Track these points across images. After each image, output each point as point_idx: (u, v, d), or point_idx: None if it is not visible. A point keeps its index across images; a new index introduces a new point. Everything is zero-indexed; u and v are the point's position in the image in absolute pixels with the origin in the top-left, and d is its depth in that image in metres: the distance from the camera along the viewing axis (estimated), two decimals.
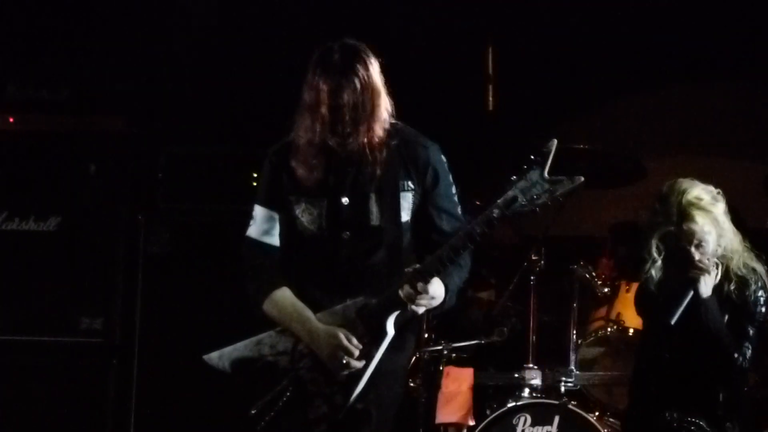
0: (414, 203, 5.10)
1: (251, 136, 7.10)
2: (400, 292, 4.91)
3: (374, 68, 5.03)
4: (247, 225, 5.21)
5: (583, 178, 4.81)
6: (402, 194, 5.07)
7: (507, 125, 8.20)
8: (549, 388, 6.75)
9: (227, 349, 5.13)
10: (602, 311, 7.10)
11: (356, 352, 4.96)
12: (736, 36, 8.13)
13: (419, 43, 7.93)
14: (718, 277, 5.79)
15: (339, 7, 7.78)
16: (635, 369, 6.05)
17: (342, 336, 4.97)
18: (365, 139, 4.98)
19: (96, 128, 7.36)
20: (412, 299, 4.92)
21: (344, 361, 4.96)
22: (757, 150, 8.27)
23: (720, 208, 5.77)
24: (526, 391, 6.74)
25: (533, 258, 6.95)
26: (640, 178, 7.53)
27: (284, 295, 5.10)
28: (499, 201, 4.84)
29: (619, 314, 6.98)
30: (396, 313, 4.98)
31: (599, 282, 7.06)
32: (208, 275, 7.22)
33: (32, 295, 7.23)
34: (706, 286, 5.73)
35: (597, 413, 6.70)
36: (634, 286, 6.64)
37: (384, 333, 4.99)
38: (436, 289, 4.97)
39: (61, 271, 7.25)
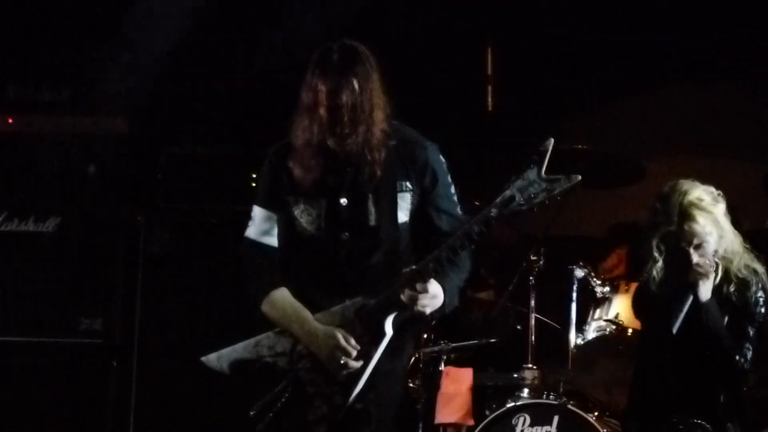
0: (412, 204, 5.10)
1: (251, 137, 7.12)
2: (402, 296, 4.91)
3: (373, 69, 5.03)
4: (246, 225, 5.21)
5: (580, 177, 4.81)
6: (400, 195, 5.07)
7: (506, 125, 8.20)
8: (548, 388, 6.74)
9: (226, 351, 5.14)
10: (601, 311, 7.09)
11: (354, 353, 4.96)
12: (735, 36, 8.13)
13: (419, 43, 7.93)
14: (718, 278, 5.78)
15: (339, 8, 7.78)
16: (635, 369, 6.05)
17: (340, 336, 4.97)
18: (364, 140, 4.99)
19: (96, 129, 7.36)
20: (414, 300, 4.92)
21: (342, 362, 4.96)
22: (756, 150, 8.27)
23: (720, 210, 5.77)
24: (526, 391, 6.74)
25: (532, 258, 6.95)
26: (640, 178, 7.53)
27: (283, 295, 5.10)
28: (496, 200, 4.85)
29: (618, 314, 6.98)
30: (394, 314, 4.98)
31: (598, 282, 7.06)
32: (208, 276, 7.23)
33: (32, 295, 7.24)
34: (706, 289, 5.73)
35: (596, 413, 6.69)
36: (633, 286, 6.64)
37: (382, 334, 4.98)
38: (435, 288, 4.97)
39: (60, 271, 7.25)
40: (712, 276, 5.73)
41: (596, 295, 7.09)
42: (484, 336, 6.97)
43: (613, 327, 6.96)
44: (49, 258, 7.26)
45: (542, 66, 8.19)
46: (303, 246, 5.13)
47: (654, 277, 5.82)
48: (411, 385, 6.76)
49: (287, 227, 5.14)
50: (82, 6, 7.88)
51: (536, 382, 6.76)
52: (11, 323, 7.23)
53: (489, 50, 8.37)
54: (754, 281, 5.82)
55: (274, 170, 5.16)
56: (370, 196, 5.06)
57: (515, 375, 6.83)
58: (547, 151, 4.82)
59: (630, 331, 6.87)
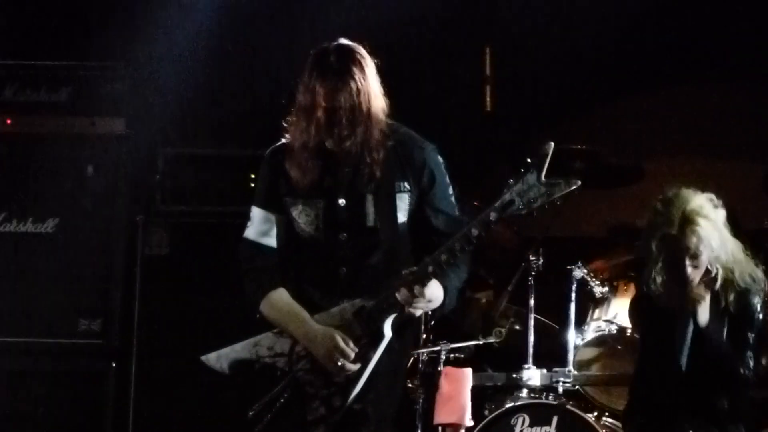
0: (411, 204, 5.10)
1: (249, 138, 7.12)
2: (397, 295, 4.91)
3: (370, 70, 5.04)
4: (244, 226, 5.22)
5: (579, 182, 4.83)
6: (398, 195, 5.07)
7: (505, 126, 8.19)
8: (547, 388, 6.74)
9: (225, 351, 5.14)
10: (600, 311, 7.10)
11: (352, 355, 4.97)
12: (735, 36, 8.12)
13: (417, 43, 7.93)
14: (718, 285, 5.75)
15: (337, 8, 7.77)
16: (635, 372, 6.01)
17: (338, 338, 4.97)
18: (362, 141, 4.99)
19: (94, 130, 7.35)
20: (409, 302, 4.93)
21: (340, 364, 4.96)
22: (756, 150, 8.26)
23: (721, 218, 5.73)
24: (525, 391, 6.74)
25: (532, 258, 6.95)
26: (639, 178, 7.53)
27: (281, 296, 5.11)
28: (495, 204, 4.86)
29: (617, 314, 6.98)
30: (393, 316, 4.98)
31: (597, 282, 7.06)
32: (207, 277, 7.22)
33: (30, 297, 7.21)
34: (704, 311, 5.70)
35: (595, 413, 6.70)
36: (632, 286, 6.64)
37: (381, 335, 4.99)
38: (434, 291, 4.98)
39: (59, 272, 7.23)
40: (707, 299, 5.71)
41: (595, 296, 7.09)
42: (483, 336, 6.96)
43: (612, 327, 6.96)
44: (48, 259, 7.24)
45: (541, 66, 8.18)
46: (302, 247, 5.14)
47: (654, 279, 5.79)
48: (410, 385, 6.76)
49: (286, 228, 5.15)
50: (81, 6, 7.88)
51: (535, 382, 6.76)
52: (10, 324, 7.21)
53: (487, 51, 8.36)
54: (754, 288, 5.79)
55: (272, 171, 5.17)
56: (369, 196, 5.07)
57: (514, 375, 6.83)
58: (546, 155, 4.82)
59: (628, 331, 6.87)
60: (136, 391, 7.27)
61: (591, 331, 7.00)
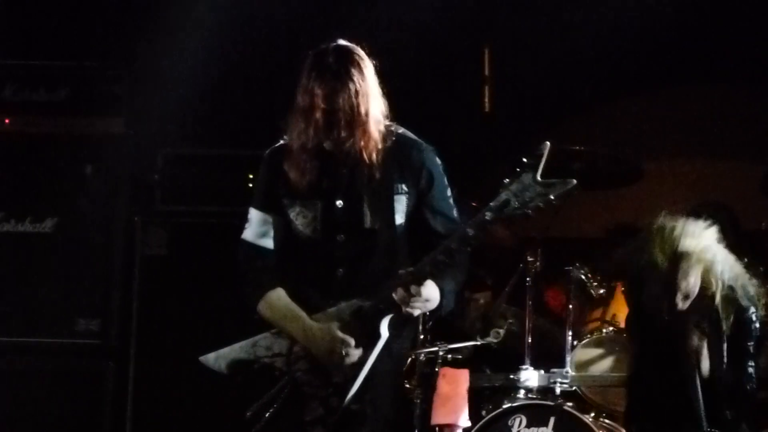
0: (408, 206, 5.10)
1: (248, 138, 7.12)
2: (394, 295, 4.92)
3: (369, 71, 5.04)
4: (242, 227, 5.22)
5: (576, 181, 4.81)
6: (396, 197, 5.08)
7: (504, 127, 8.19)
8: (544, 389, 6.74)
9: (223, 351, 5.15)
10: (598, 312, 7.10)
11: (353, 342, 4.96)
12: (734, 37, 8.12)
13: (416, 44, 7.92)
14: (717, 303, 5.67)
15: (336, 9, 7.78)
16: (632, 378, 5.97)
17: (336, 330, 4.97)
18: (361, 143, 4.99)
19: (93, 130, 7.35)
20: (406, 302, 4.93)
21: (343, 352, 4.96)
22: (754, 151, 8.26)
23: (714, 243, 5.60)
24: (522, 392, 6.73)
25: (530, 259, 6.95)
26: (638, 179, 7.53)
27: (279, 295, 5.12)
28: (491, 204, 4.85)
29: (614, 315, 6.98)
30: (390, 316, 4.98)
31: (595, 283, 7.06)
32: (205, 277, 7.22)
33: (29, 296, 7.22)
34: (704, 362, 5.65)
35: (592, 414, 6.70)
36: None
37: (378, 335, 4.99)
38: (431, 291, 4.98)
39: (57, 272, 7.24)
40: (705, 352, 5.68)
41: (593, 296, 7.09)
42: (481, 337, 6.95)
43: (610, 328, 6.96)
44: (46, 259, 7.24)
45: (540, 67, 8.17)
46: (300, 248, 5.14)
47: (646, 301, 5.72)
48: (407, 386, 6.75)
49: (284, 229, 5.15)
50: (80, 6, 7.88)
51: (533, 383, 6.75)
52: (8, 324, 7.22)
53: (486, 51, 8.36)
54: (752, 300, 5.72)
55: (271, 173, 5.17)
56: (366, 198, 5.07)
57: (512, 376, 6.83)
58: (542, 155, 4.81)
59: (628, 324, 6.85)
60: (135, 391, 7.28)
61: (588, 332, 7.00)
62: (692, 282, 5.57)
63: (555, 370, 6.77)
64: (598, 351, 6.97)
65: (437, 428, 6.73)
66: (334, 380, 5.02)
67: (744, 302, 5.65)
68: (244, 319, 5.18)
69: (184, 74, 7.79)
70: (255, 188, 5.29)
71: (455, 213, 5.17)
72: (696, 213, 5.76)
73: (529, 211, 4.81)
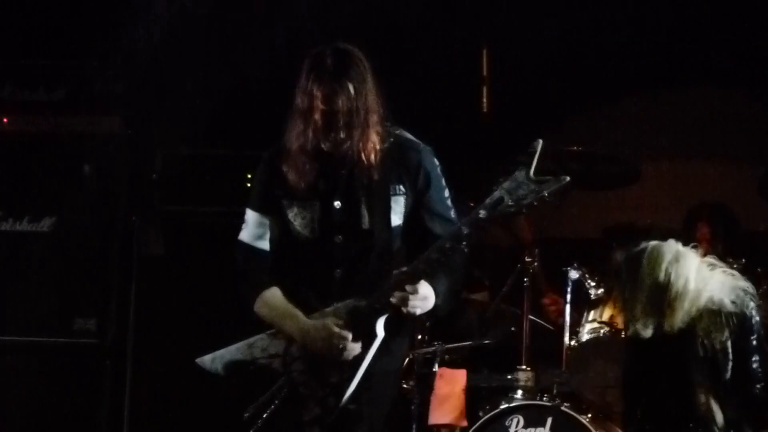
0: (406, 207, 5.10)
1: (247, 138, 7.12)
2: (392, 299, 4.91)
3: (367, 72, 5.03)
4: (239, 228, 5.22)
5: (569, 178, 4.79)
6: (393, 198, 5.07)
7: (502, 127, 8.19)
8: (542, 389, 6.74)
9: (220, 352, 5.15)
10: (595, 313, 7.10)
11: (350, 336, 4.95)
12: (732, 39, 8.13)
13: (414, 45, 7.92)
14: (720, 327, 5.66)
15: (335, 10, 7.78)
16: (629, 381, 5.97)
17: (332, 324, 4.97)
18: (359, 144, 4.99)
19: (91, 129, 7.35)
20: (405, 302, 4.93)
21: (341, 346, 4.96)
22: (752, 152, 8.27)
23: (695, 267, 5.56)
24: (519, 392, 6.74)
25: (527, 260, 6.95)
26: (635, 180, 7.54)
27: (274, 294, 5.12)
28: (485, 202, 4.84)
29: (612, 316, 6.98)
30: (386, 316, 4.98)
31: (593, 284, 7.06)
32: (203, 277, 7.23)
33: (26, 295, 7.22)
34: (719, 414, 5.64)
35: (590, 415, 6.70)
36: None
37: (375, 335, 4.99)
38: (426, 289, 4.97)
39: (55, 271, 7.24)
40: (713, 401, 5.65)
41: (590, 297, 7.09)
42: (479, 337, 6.97)
43: (607, 329, 6.96)
44: (44, 258, 7.24)
45: (538, 68, 8.18)
46: (297, 249, 5.14)
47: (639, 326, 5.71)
48: (405, 386, 6.77)
49: (282, 231, 5.15)
50: (79, 5, 7.88)
51: (530, 383, 6.76)
52: (5, 323, 7.22)
53: (484, 52, 8.36)
54: (745, 302, 5.70)
55: (269, 174, 5.17)
56: (364, 199, 5.07)
57: (509, 376, 6.83)
58: (535, 153, 4.81)
59: (623, 333, 6.85)
60: (132, 391, 7.29)
61: (586, 333, 7.00)
62: (677, 323, 5.55)
63: (552, 370, 6.78)
64: (596, 351, 6.98)
65: (435, 428, 6.76)
66: (331, 380, 5.01)
67: (735, 310, 5.63)
68: (241, 320, 5.18)
69: (183, 74, 7.79)
70: (252, 189, 5.28)
71: (453, 214, 5.16)
72: (678, 235, 5.73)
73: (523, 209, 4.80)
